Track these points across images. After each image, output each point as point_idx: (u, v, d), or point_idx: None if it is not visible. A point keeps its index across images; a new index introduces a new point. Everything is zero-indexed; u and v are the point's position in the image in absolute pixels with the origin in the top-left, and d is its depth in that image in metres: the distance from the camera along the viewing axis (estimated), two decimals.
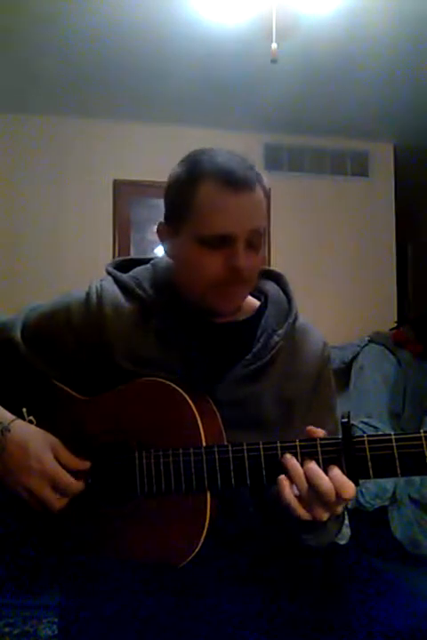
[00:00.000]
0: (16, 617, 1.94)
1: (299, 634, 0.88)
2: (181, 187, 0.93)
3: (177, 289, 1.01)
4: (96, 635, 0.82)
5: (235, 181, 0.89)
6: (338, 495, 0.78)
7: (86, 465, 0.93)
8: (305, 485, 0.79)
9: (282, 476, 0.81)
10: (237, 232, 0.90)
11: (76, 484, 0.92)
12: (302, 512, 0.80)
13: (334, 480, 0.79)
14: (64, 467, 0.92)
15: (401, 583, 0.90)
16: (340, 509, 0.82)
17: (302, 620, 0.88)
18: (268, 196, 0.96)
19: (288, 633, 0.88)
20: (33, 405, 0.98)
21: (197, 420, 0.88)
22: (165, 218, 0.99)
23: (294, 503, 0.80)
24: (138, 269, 1.06)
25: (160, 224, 1.00)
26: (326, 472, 0.80)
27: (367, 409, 3.18)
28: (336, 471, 0.79)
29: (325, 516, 0.81)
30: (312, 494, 0.79)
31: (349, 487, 0.78)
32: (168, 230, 0.98)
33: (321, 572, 0.95)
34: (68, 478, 0.91)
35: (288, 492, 0.80)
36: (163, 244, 1.01)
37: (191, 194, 0.91)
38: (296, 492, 0.80)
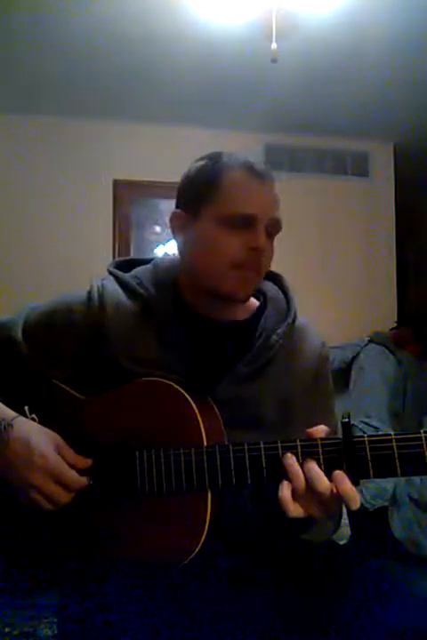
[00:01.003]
0: (16, 617, 1.94)
1: (299, 633, 0.88)
2: (206, 173, 0.97)
3: (179, 288, 1.02)
4: (96, 635, 0.82)
5: (259, 171, 0.95)
6: (340, 501, 0.79)
7: (88, 462, 0.93)
8: (303, 485, 0.80)
9: (284, 482, 0.81)
10: (259, 215, 0.93)
11: (79, 479, 0.92)
12: (296, 509, 0.80)
13: (338, 487, 0.79)
14: (66, 463, 0.92)
15: (401, 583, 0.90)
16: (335, 509, 0.83)
17: (302, 620, 0.89)
18: None
19: (288, 632, 0.88)
20: (34, 404, 0.99)
21: (198, 420, 0.88)
22: (181, 206, 1.00)
23: (290, 501, 0.80)
24: (139, 269, 1.06)
25: (174, 212, 1.01)
26: (327, 474, 0.80)
27: (367, 409, 3.17)
28: (340, 477, 0.79)
29: (318, 514, 0.81)
30: (309, 493, 0.80)
31: (353, 497, 0.78)
32: (186, 216, 0.99)
33: (321, 571, 0.95)
34: (71, 472, 0.91)
35: (286, 490, 0.81)
36: (176, 234, 1.01)
37: (217, 177, 0.95)
38: (292, 489, 0.81)
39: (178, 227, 1.00)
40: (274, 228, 0.97)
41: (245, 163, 0.96)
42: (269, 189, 0.96)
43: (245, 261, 0.93)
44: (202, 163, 0.99)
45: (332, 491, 0.79)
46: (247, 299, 1.00)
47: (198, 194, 0.97)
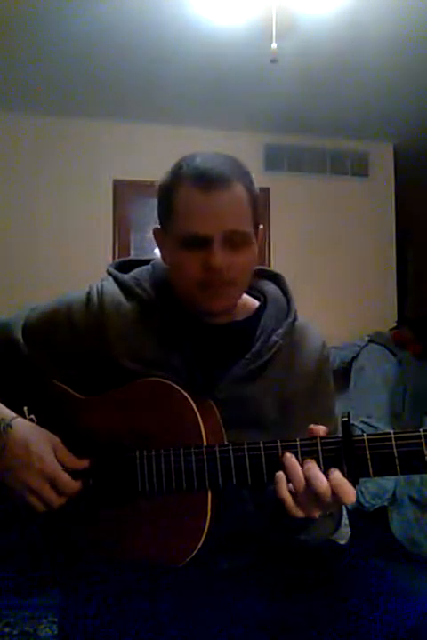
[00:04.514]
0: (16, 617, 1.94)
1: (299, 634, 0.88)
2: (165, 192, 0.96)
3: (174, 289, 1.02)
4: (96, 635, 0.82)
5: (206, 182, 0.90)
6: (337, 498, 0.79)
7: (85, 464, 0.94)
8: (303, 485, 0.80)
9: (279, 473, 0.81)
10: (210, 232, 0.90)
11: (73, 484, 0.92)
12: (296, 510, 0.80)
13: (334, 483, 0.79)
14: (64, 466, 0.92)
15: (401, 583, 0.90)
16: (335, 508, 0.83)
17: (302, 620, 0.89)
18: (254, 194, 0.96)
19: (288, 633, 0.88)
20: (34, 405, 0.99)
21: (197, 420, 0.88)
22: (159, 221, 1.01)
23: (290, 501, 0.80)
24: (138, 270, 1.06)
25: (155, 229, 1.02)
26: (326, 473, 0.80)
27: (367, 409, 3.18)
28: (336, 474, 0.79)
29: (317, 514, 0.81)
30: (309, 494, 0.80)
31: (349, 492, 0.78)
32: (161, 234, 1.00)
33: (321, 571, 0.95)
34: (66, 477, 0.91)
35: (284, 489, 0.80)
36: (159, 249, 1.03)
37: (172, 198, 0.93)
38: (292, 489, 0.81)
39: (159, 243, 1.02)
40: (236, 238, 0.92)
41: (194, 173, 0.91)
42: (219, 201, 0.90)
43: (207, 280, 0.92)
44: (163, 178, 0.97)
45: (331, 490, 0.79)
46: (228, 310, 0.99)
47: (163, 216, 0.98)
